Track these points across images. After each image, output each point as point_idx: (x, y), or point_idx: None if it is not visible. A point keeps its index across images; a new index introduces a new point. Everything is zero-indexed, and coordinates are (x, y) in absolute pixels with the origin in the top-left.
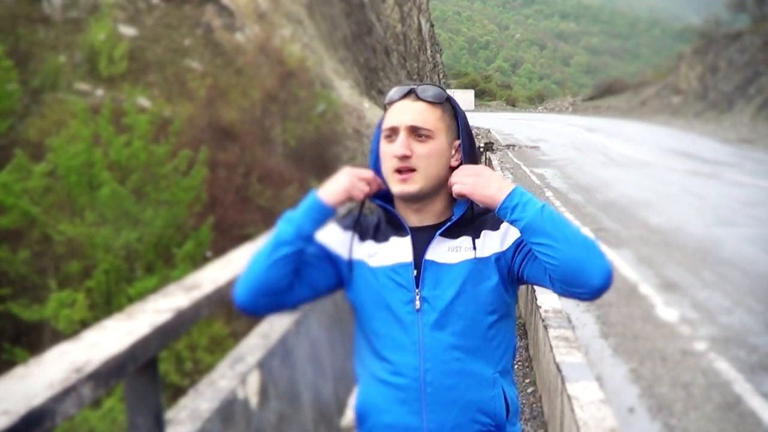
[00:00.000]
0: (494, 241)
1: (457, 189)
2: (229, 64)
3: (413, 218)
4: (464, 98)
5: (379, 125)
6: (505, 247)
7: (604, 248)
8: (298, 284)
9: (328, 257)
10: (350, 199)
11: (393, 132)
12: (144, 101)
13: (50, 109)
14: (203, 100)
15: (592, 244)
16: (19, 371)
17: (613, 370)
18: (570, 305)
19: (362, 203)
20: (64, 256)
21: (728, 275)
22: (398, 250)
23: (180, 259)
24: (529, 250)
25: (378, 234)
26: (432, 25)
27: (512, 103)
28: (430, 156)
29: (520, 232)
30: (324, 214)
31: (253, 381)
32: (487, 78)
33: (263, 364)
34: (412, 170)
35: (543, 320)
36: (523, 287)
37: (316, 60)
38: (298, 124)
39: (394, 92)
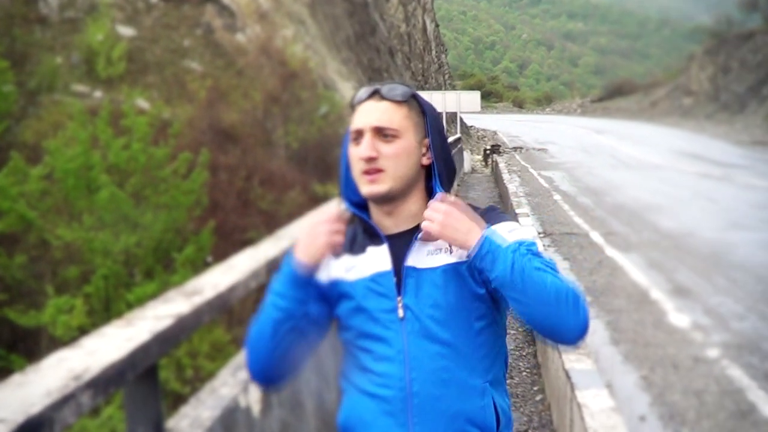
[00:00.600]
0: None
1: (424, 226)
2: (230, 65)
3: (388, 222)
4: (470, 100)
5: (348, 132)
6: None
7: (614, 252)
8: (309, 334)
9: (315, 289)
10: (333, 251)
11: (359, 134)
12: (143, 103)
13: (47, 111)
14: (203, 101)
15: (567, 295)
16: (16, 379)
17: (624, 377)
18: None
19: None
20: (61, 261)
21: (741, 280)
22: (376, 259)
23: (180, 264)
24: (511, 267)
25: (354, 246)
26: (437, 25)
27: (519, 105)
28: (397, 156)
29: (490, 282)
30: (309, 277)
31: (255, 389)
32: (494, 79)
33: None
34: (381, 171)
35: None
36: None
37: (319, 61)
38: (300, 126)
39: (359, 94)
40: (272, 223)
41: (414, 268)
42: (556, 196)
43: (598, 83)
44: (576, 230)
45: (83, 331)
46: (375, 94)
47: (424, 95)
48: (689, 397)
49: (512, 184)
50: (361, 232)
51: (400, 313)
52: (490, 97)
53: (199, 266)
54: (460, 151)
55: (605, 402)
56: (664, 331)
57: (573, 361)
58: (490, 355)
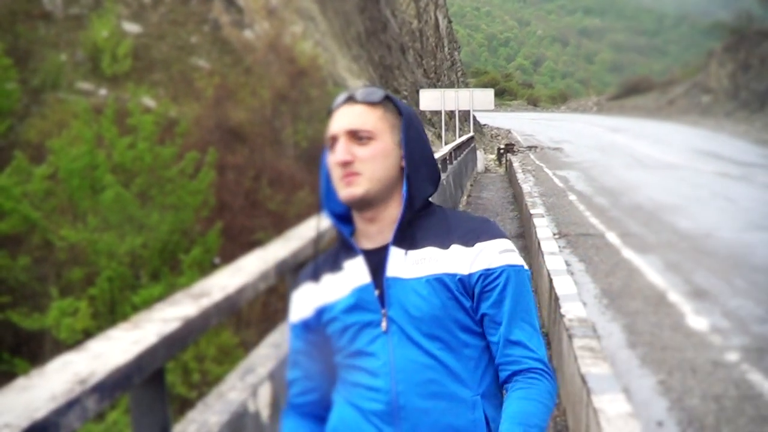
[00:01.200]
0: (463, 261)
1: None
2: (238, 62)
3: (372, 229)
4: (484, 98)
5: (326, 147)
6: (472, 270)
7: (631, 254)
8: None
9: (308, 332)
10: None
11: (333, 140)
12: (149, 101)
13: (51, 110)
14: (211, 99)
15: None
16: (20, 383)
17: (641, 381)
18: (595, 314)
19: (316, 245)
20: (65, 263)
21: (761, 282)
22: (354, 273)
23: (187, 265)
24: (496, 302)
25: (335, 263)
26: (449, 21)
27: (534, 103)
28: (373, 158)
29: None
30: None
31: (265, 393)
32: (508, 76)
33: (275, 375)
34: (357, 174)
35: (567, 329)
36: (546, 294)
37: (329, 58)
38: (309, 124)
39: (335, 101)
40: (281, 224)
41: (396, 279)
42: (572, 197)
43: (615, 81)
44: (592, 231)
45: (88, 334)
46: (349, 99)
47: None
48: (708, 402)
49: (527, 184)
50: (341, 247)
51: (384, 325)
52: (504, 95)
53: (206, 268)
54: (473, 150)
55: (622, 407)
56: (682, 334)
57: (589, 365)
58: (480, 366)
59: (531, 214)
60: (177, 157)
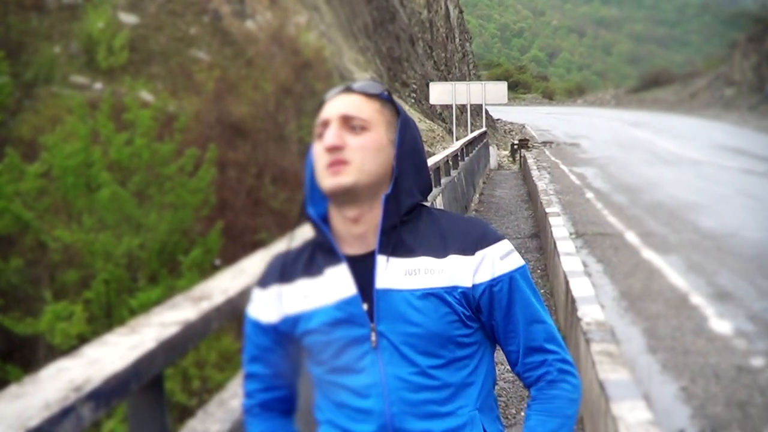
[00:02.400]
0: (464, 272)
1: None
2: (239, 54)
3: (353, 231)
4: (497, 91)
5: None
6: (476, 282)
7: (651, 254)
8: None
9: (276, 334)
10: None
11: (324, 126)
12: (146, 95)
13: (44, 104)
14: (211, 93)
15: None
16: (12, 390)
17: (662, 388)
18: (614, 317)
19: (289, 243)
20: (59, 265)
21: None
22: (337, 282)
23: (186, 267)
24: (507, 311)
25: (312, 266)
26: (461, 11)
27: (549, 96)
28: (365, 149)
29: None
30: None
31: None
32: (522, 69)
33: None
34: (345, 163)
35: (584, 333)
36: (562, 296)
37: (334, 50)
38: (314, 119)
39: (329, 92)
40: (285, 223)
41: (387, 291)
42: (589, 194)
43: (634, 73)
44: (610, 230)
45: (83, 339)
46: (345, 90)
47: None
48: (732, 409)
49: (542, 182)
50: (319, 249)
51: (374, 341)
52: (518, 88)
53: (206, 270)
54: (486, 146)
55: (642, 415)
56: (705, 338)
57: (607, 371)
58: (477, 379)
59: (546, 213)
60: (176, 154)
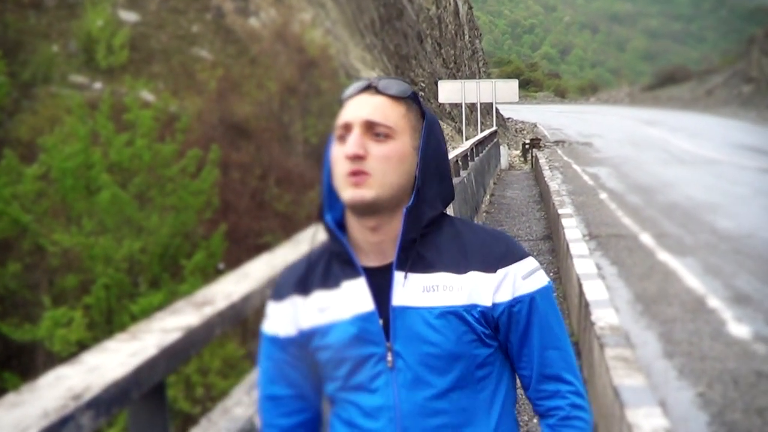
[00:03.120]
0: (484, 290)
1: None
2: (243, 52)
3: (371, 241)
4: (507, 89)
5: (330, 137)
6: (496, 301)
7: (667, 256)
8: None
9: (296, 348)
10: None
11: (346, 130)
12: (147, 95)
13: (43, 105)
14: (213, 93)
15: None
16: (10, 398)
17: (679, 394)
18: (629, 321)
19: (311, 252)
20: (58, 270)
21: None
22: (354, 296)
23: (189, 271)
24: (524, 334)
25: (328, 279)
26: (470, 7)
27: (561, 94)
28: (388, 159)
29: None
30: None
31: None
32: (533, 66)
33: None
34: (367, 174)
35: (598, 338)
36: (575, 300)
37: (340, 47)
38: (320, 119)
39: (350, 88)
40: (290, 226)
41: (404, 308)
42: (603, 195)
43: (648, 70)
44: (624, 232)
45: (83, 345)
46: (369, 88)
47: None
48: (751, 416)
49: (554, 182)
50: (336, 259)
51: (390, 361)
52: (530, 86)
53: (209, 274)
54: (497, 145)
55: (658, 422)
56: (722, 342)
57: (622, 376)
58: (496, 401)
59: (559, 214)
60: (178, 155)
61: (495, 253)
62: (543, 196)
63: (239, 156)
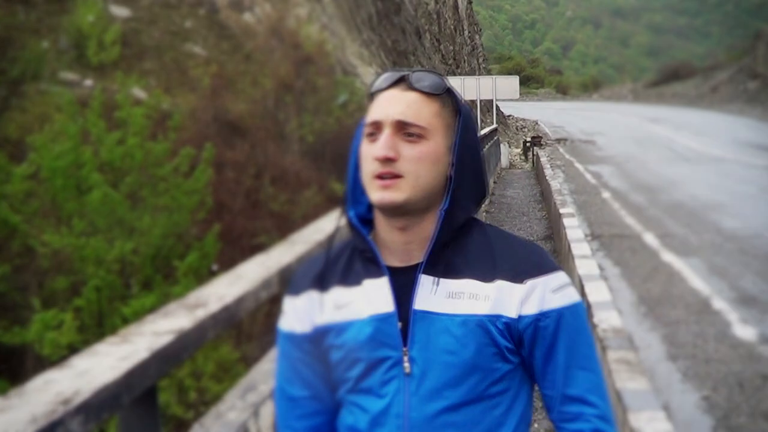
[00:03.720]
0: (510, 300)
1: None
2: (237, 48)
3: (397, 240)
4: (508, 86)
5: (362, 122)
6: (522, 313)
7: (671, 257)
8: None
9: (312, 345)
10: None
11: (376, 128)
12: (139, 92)
13: (32, 102)
14: (207, 90)
15: None
16: None
17: (683, 398)
18: (632, 323)
19: (331, 239)
20: (48, 271)
21: None
22: (375, 296)
23: (182, 273)
24: (549, 351)
25: (348, 275)
26: (470, 2)
27: (563, 91)
28: (420, 160)
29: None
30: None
31: (267, 413)
32: (534, 62)
33: None
34: (398, 177)
35: (601, 341)
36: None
37: (337, 43)
38: (316, 117)
39: (381, 79)
40: (285, 226)
41: (425, 313)
42: (605, 194)
43: (652, 66)
44: (628, 232)
45: (73, 349)
46: (401, 81)
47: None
48: (757, 420)
49: (555, 181)
50: (359, 256)
51: (406, 367)
52: (531, 83)
53: (203, 275)
54: (497, 143)
55: (662, 426)
56: (727, 345)
57: (625, 379)
58: (510, 422)
59: (560, 214)
60: (170, 154)
61: (525, 263)
62: (544, 196)
63: (233, 154)
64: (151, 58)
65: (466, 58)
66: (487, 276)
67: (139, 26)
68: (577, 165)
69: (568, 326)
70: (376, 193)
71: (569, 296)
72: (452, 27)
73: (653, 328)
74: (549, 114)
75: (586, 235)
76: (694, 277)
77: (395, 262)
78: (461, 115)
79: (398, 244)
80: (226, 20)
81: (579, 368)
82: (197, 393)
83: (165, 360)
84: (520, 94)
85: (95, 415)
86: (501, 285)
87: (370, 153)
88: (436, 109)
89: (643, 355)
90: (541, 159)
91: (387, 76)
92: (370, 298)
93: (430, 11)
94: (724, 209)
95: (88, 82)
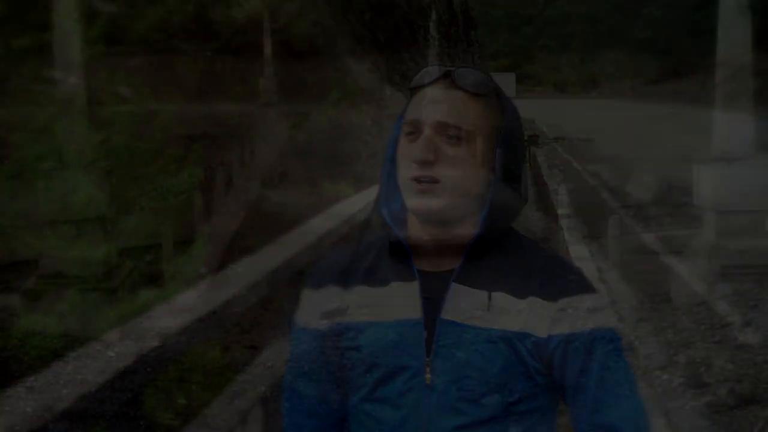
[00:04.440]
0: (541, 318)
1: None
2: (226, 45)
3: (431, 243)
4: (504, 83)
5: (402, 115)
6: (552, 333)
7: (673, 259)
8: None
9: (326, 343)
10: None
11: (416, 128)
12: (125, 90)
13: (14, 101)
14: (195, 88)
15: None
16: None
17: (684, 403)
18: (632, 327)
19: (361, 234)
20: (32, 274)
21: None
22: (402, 300)
23: (169, 276)
24: (580, 375)
25: (374, 274)
26: None
27: (561, 88)
28: (461, 165)
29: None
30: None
31: (256, 420)
32: (531, 59)
33: (268, 401)
34: (436, 181)
35: None
36: None
37: (328, 39)
38: (307, 115)
39: (423, 74)
40: (275, 228)
41: (453, 324)
42: (605, 194)
43: (652, 62)
44: (627, 232)
45: (58, 354)
46: (445, 77)
47: None
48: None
49: (553, 180)
50: (386, 257)
51: (428, 379)
52: (527, 80)
53: (191, 279)
54: None
55: None
56: (730, 349)
57: None
58: None
59: (558, 215)
60: (157, 154)
61: (560, 281)
62: (541, 196)
63: (222, 154)
64: (138, 55)
65: (460, 54)
66: (520, 291)
67: (125, 22)
68: (576, 165)
69: (601, 351)
70: (412, 199)
71: (604, 320)
72: (447, 23)
73: (653, 332)
74: (546, 112)
75: (584, 236)
76: (696, 280)
77: (425, 266)
78: (507, 114)
79: (431, 248)
80: (214, 16)
81: (612, 396)
82: (185, 399)
83: (152, 365)
84: (517, 91)
85: (80, 422)
86: (533, 301)
87: (408, 153)
88: (480, 109)
89: (643, 360)
90: (538, 158)
91: (429, 71)
92: (397, 301)
93: (424, 6)
94: (726, 209)
95: (73, 79)
